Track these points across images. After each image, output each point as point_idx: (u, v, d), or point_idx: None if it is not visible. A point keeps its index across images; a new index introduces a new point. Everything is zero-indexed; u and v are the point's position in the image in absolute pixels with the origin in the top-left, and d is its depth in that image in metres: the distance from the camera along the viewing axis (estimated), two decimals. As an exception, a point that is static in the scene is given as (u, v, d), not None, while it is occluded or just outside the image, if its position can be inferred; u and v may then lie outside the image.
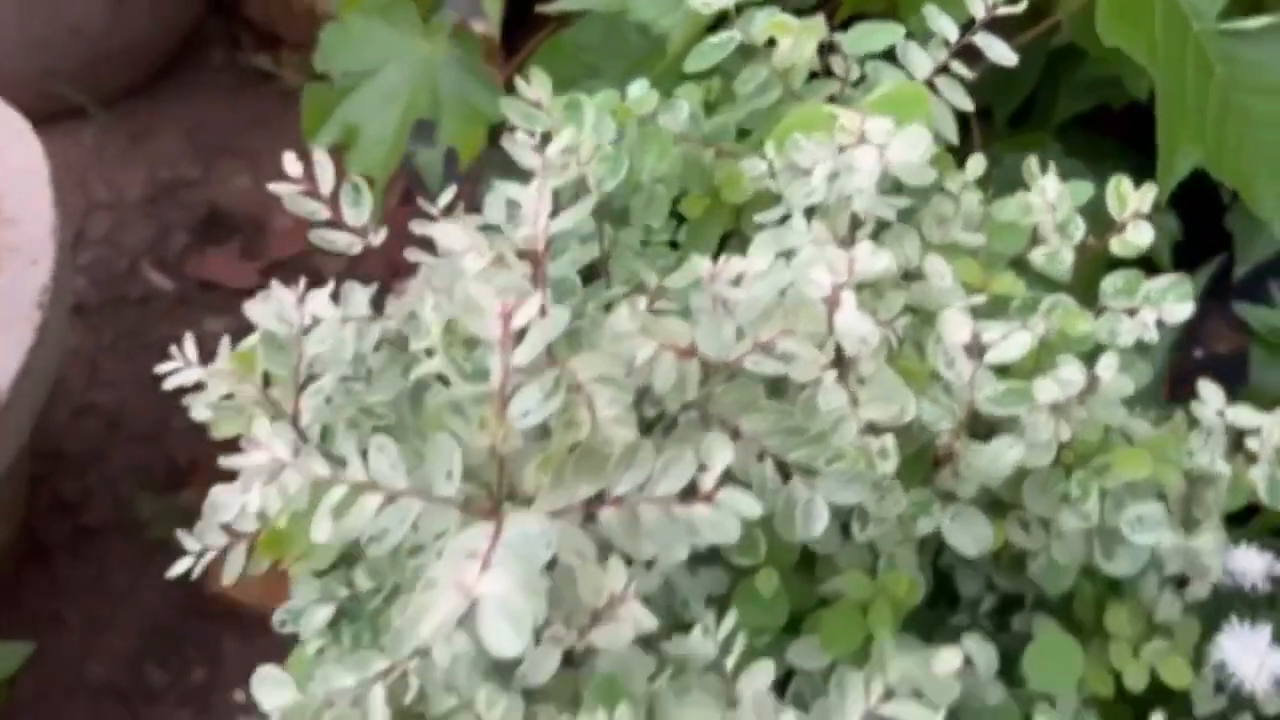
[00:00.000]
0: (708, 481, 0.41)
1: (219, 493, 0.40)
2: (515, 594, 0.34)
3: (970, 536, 0.54)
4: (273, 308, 0.45)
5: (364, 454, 0.40)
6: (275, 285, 0.46)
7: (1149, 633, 0.61)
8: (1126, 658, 0.59)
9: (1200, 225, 0.97)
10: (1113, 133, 0.98)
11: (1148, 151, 0.75)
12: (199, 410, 0.56)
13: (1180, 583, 0.65)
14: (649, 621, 0.41)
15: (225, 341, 0.49)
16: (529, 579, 0.35)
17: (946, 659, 0.41)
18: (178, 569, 0.50)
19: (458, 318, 0.37)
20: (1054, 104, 0.95)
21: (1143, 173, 0.63)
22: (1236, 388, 0.71)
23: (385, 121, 0.82)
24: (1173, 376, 0.96)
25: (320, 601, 0.51)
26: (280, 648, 1.07)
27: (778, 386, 0.55)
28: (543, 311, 0.43)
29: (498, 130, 0.97)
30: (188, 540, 0.50)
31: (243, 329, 0.54)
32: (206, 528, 0.50)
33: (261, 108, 1.46)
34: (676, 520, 0.41)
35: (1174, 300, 0.52)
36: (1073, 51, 0.91)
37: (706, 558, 0.53)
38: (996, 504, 0.57)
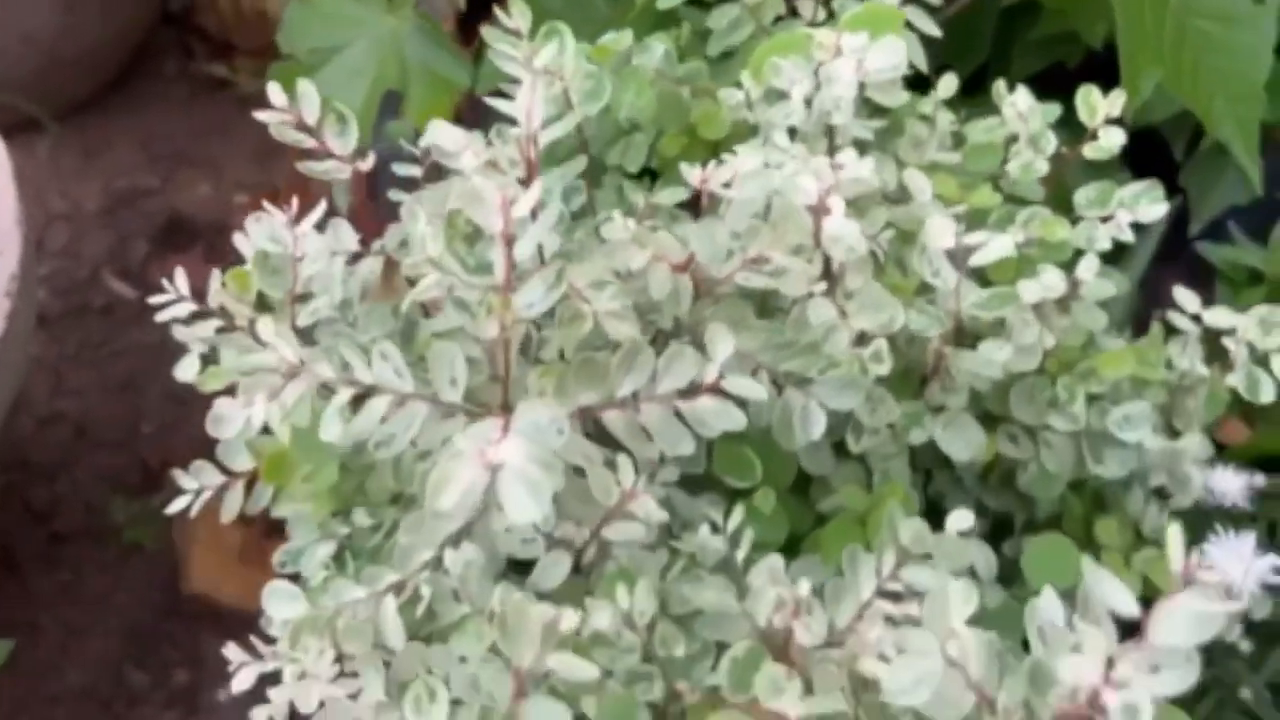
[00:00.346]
0: (711, 372, 0.41)
1: (221, 405, 0.40)
2: (532, 466, 0.34)
3: (963, 442, 0.54)
4: (265, 228, 0.45)
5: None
6: (267, 207, 0.46)
7: (1137, 544, 0.62)
8: (1119, 567, 0.60)
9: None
10: (1067, 92, 1.00)
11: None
12: (185, 369, 0.55)
13: (1163, 497, 0.66)
14: (660, 514, 0.42)
15: (215, 275, 0.48)
16: (545, 456, 0.35)
17: (959, 518, 0.41)
18: (176, 506, 0.49)
19: (459, 210, 0.38)
20: (1008, 66, 0.97)
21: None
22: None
23: (354, 94, 0.82)
24: (1134, 333, 0.98)
25: (321, 540, 0.50)
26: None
27: (765, 307, 0.56)
28: (534, 215, 0.43)
29: (460, 114, 0.98)
30: (184, 479, 0.50)
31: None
32: (202, 467, 0.50)
33: (218, 115, 1.45)
34: (681, 416, 0.42)
35: (1147, 203, 0.54)
36: (1026, 9, 0.94)
37: (704, 482, 0.54)
38: (986, 418, 0.58)
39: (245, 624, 1.15)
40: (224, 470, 0.51)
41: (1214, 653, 0.68)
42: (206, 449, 1.25)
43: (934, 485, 0.63)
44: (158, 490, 1.14)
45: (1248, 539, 0.65)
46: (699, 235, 0.45)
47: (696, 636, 0.39)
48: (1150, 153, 0.95)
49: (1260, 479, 0.71)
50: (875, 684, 0.36)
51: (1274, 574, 0.64)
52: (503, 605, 0.39)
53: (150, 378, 1.27)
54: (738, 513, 0.44)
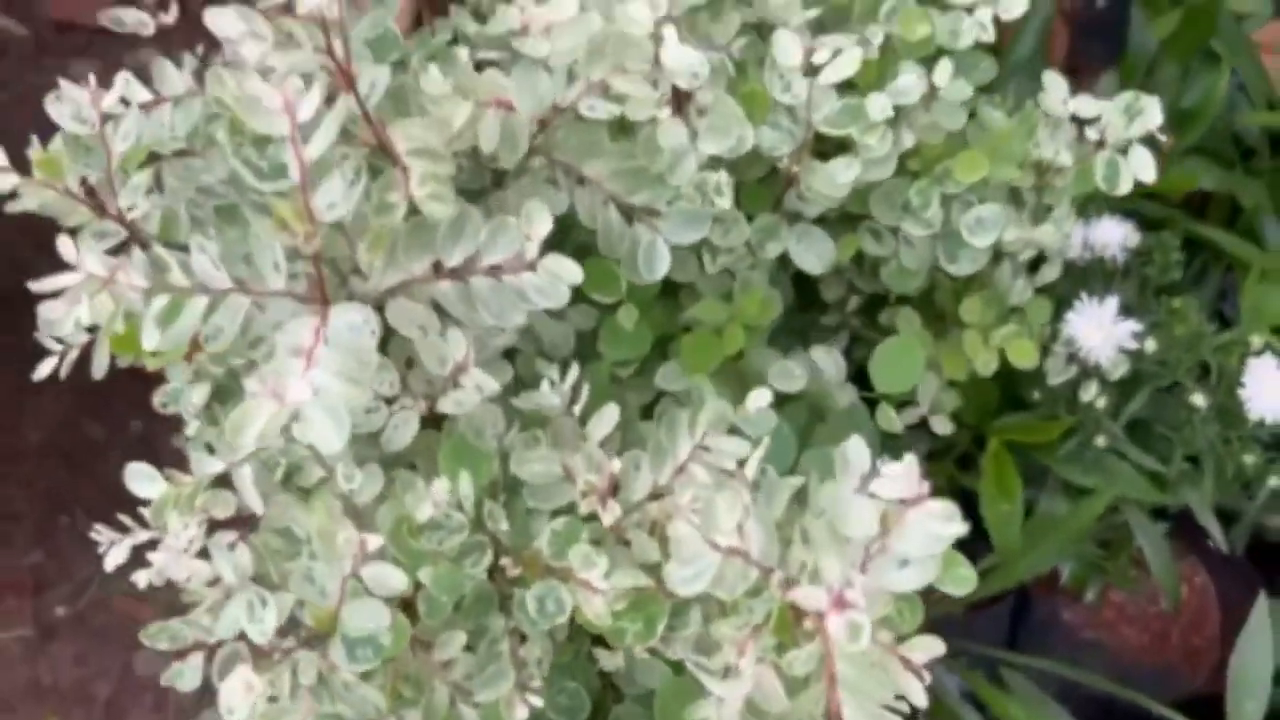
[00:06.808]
0: (531, 250, 0.42)
1: (47, 309, 0.40)
2: (337, 388, 0.35)
3: (814, 255, 0.55)
4: (68, 107, 0.43)
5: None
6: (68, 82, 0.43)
7: (1004, 317, 0.64)
8: (978, 346, 0.62)
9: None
10: None
11: None
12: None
13: (1036, 264, 0.68)
14: (491, 385, 0.43)
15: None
16: (353, 371, 0.36)
17: (757, 397, 0.43)
18: (43, 370, 0.51)
19: (241, 119, 0.36)
20: None
21: None
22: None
23: None
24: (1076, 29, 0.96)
25: (195, 381, 0.52)
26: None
27: (624, 127, 0.54)
28: (347, 80, 0.41)
29: None
30: (50, 343, 0.51)
31: (111, 67, 0.51)
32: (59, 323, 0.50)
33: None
34: (507, 288, 0.42)
35: (1011, -5, 0.51)
36: None
37: (573, 298, 0.55)
38: (848, 217, 0.58)
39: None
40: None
41: (1077, 405, 0.72)
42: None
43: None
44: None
45: (1110, 305, 0.67)
46: (520, 84, 0.44)
47: (525, 506, 0.42)
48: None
49: (1135, 234, 0.72)
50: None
51: (1132, 339, 0.67)
52: (348, 482, 0.42)
53: None
54: (573, 370, 0.46)
